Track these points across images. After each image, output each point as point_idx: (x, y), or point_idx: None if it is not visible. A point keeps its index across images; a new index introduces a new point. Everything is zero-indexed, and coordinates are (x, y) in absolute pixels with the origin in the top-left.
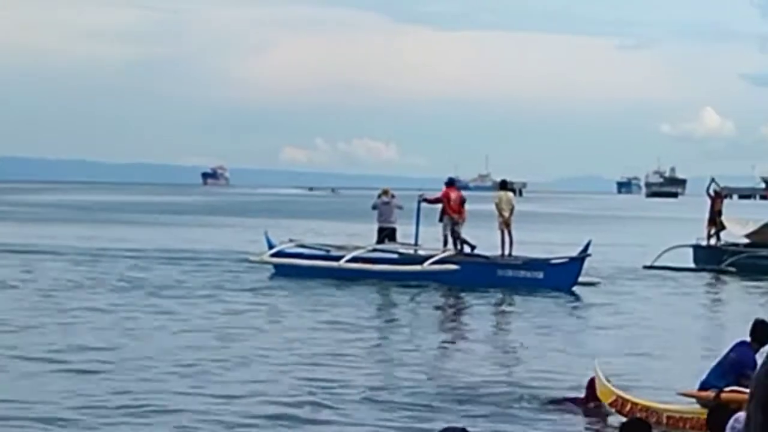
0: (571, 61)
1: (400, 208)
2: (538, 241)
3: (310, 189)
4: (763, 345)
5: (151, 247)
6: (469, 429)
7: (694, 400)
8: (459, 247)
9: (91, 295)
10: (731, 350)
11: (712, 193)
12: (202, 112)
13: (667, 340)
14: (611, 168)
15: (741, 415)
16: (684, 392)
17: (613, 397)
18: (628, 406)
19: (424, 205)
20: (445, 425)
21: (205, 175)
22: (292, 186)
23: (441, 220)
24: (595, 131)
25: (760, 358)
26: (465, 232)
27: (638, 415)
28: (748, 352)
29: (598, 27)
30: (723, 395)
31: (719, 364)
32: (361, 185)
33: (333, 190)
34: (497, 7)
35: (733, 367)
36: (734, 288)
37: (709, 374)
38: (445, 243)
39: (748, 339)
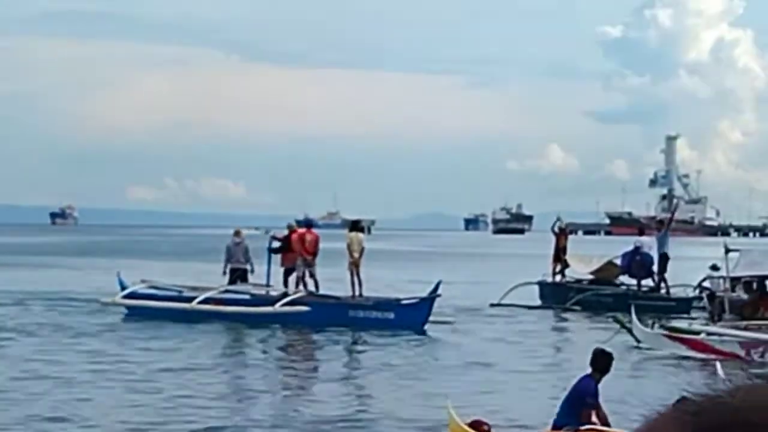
0: (418, 98)
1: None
2: (389, 280)
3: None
4: (604, 374)
5: None
6: None
7: None
8: (315, 287)
9: None
10: (574, 385)
11: (557, 230)
12: (48, 150)
13: (515, 377)
14: (459, 205)
15: None
16: None
17: None
18: None
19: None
20: None
21: (53, 215)
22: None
23: (282, 264)
24: (443, 168)
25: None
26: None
27: None
28: (589, 383)
29: (444, 65)
30: None
31: (565, 400)
32: (210, 224)
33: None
34: (344, 45)
35: (577, 400)
36: (579, 325)
37: (559, 413)
38: (298, 284)
39: (590, 371)
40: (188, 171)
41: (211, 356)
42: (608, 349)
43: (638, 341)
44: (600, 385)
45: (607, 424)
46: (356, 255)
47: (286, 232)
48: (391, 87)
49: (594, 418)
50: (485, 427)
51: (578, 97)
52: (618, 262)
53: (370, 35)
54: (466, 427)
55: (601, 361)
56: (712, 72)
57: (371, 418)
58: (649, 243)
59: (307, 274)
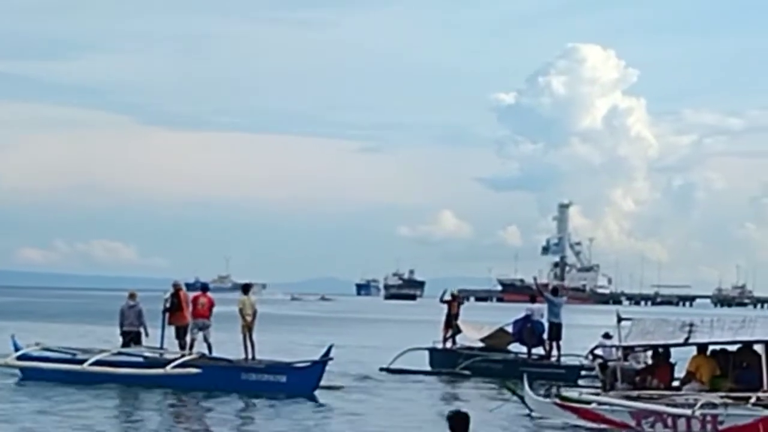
0: (311, 163)
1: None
2: (280, 344)
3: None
4: None
5: None
6: None
7: None
8: (209, 350)
9: None
10: None
11: (448, 298)
12: None
13: None
14: (351, 270)
15: None
16: None
17: None
18: None
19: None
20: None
21: None
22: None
23: (170, 323)
24: (335, 233)
25: None
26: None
27: None
28: None
29: (337, 129)
30: None
31: None
32: (101, 286)
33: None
34: (237, 108)
35: None
36: (468, 391)
37: None
38: (191, 347)
39: None
40: (80, 233)
41: (100, 419)
42: (463, 410)
43: (530, 410)
44: None
45: None
46: (249, 318)
47: (172, 290)
48: (283, 150)
49: None
50: None
51: (471, 163)
52: (509, 329)
53: (263, 98)
54: None
55: (459, 423)
56: (605, 140)
57: None
58: (540, 310)
59: (200, 337)
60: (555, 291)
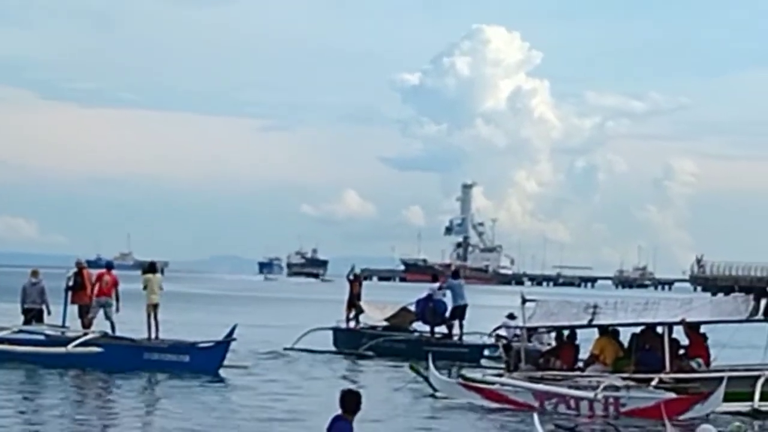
0: (214, 141)
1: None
2: (185, 323)
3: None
4: (354, 413)
5: None
6: None
7: None
8: (112, 329)
9: None
10: (328, 429)
11: (351, 277)
12: None
13: (306, 423)
14: (253, 248)
15: None
16: None
17: None
18: None
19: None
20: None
21: None
22: None
23: (73, 301)
24: (238, 211)
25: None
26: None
27: None
28: (343, 425)
29: (241, 108)
30: None
31: None
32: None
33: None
34: (141, 84)
35: None
36: (372, 371)
37: None
38: (90, 325)
39: (341, 412)
40: None
41: (3, 398)
42: (355, 389)
43: (434, 389)
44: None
45: None
46: (153, 297)
47: (75, 268)
48: (186, 128)
49: None
50: None
51: (376, 143)
52: (412, 308)
53: (167, 76)
54: None
55: (350, 401)
56: (508, 121)
57: None
58: (441, 290)
59: (102, 315)
60: (456, 273)
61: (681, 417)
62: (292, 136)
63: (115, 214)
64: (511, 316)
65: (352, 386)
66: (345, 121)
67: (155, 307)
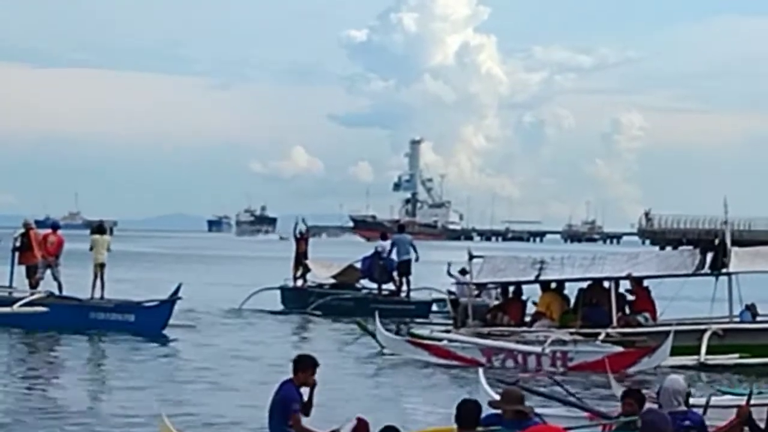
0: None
1: None
2: (131, 282)
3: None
4: (306, 377)
5: None
6: None
7: None
8: (58, 289)
9: None
10: (277, 392)
11: (298, 234)
12: None
13: (253, 384)
14: (202, 206)
15: None
16: None
17: None
18: None
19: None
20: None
21: None
22: None
23: (20, 262)
24: (186, 170)
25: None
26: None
27: None
28: (291, 388)
29: (189, 66)
30: None
31: (273, 407)
32: None
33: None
34: (88, 43)
35: (283, 406)
36: (319, 330)
37: (270, 421)
38: (37, 285)
39: (291, 376)
40: None
41: None
42: (310, 354)
43: (382, 347)
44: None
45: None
46: (100, 257)
47: (23, 229)
48: (134, 87)
49: (304, 422)
50: None
51: (323, 100)
52: (359, 266)
53: (116, 35)
54: None
55: (302, 363)
56: (456, 77)
57: (104, 413)
58: (388, 247)
59: (49, 275)
60: (401, 228)
61: (628, 370)
62: (239, 93)
63: (64, 173)
64: (464, 272)
65: (302, 347)
66: (292, 78)
67: (102, 267)
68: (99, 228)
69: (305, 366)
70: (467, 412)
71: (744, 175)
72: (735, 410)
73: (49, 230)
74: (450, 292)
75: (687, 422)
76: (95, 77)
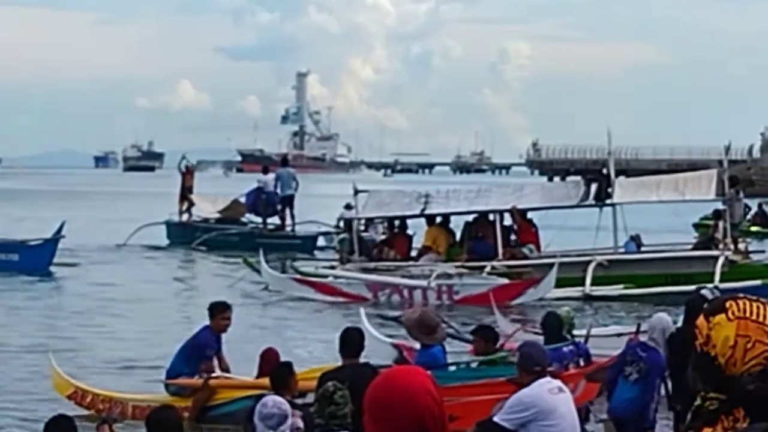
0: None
1: None
2: (15, 220)
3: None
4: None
5: None
6: None
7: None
8: None
9: None
10: (194, 336)
11: (183, 169)
12: None
13: (140, 320)
14: (88, 142)
15: (267, 399)
16: (170, 381)
17: (72, 389)
18: (89, 398)
19: None
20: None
21: None
22: None
23: None
24: (72, 105)
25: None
26: None
27: (101, 406)
28: (209, 336)
29: (75, 1)
30: (212, 382)
31: (182, 349)
32: None
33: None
34: None
35: (195, 351)
36: (205, 265)
37: (174, 360)
38: None
39: (208, 323)
40: None
41: None
42: (227, 301)
43: (267, 284)
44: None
45: (228, 371)
46: None
47: None
48: (19, 22)
49: (216, 367)
50: None
51: (209, 33)
52: (243, 200)
53: None
54: (69, 378)
55: (219, 308)
56: (342, 9)
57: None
58: (272, 181)
59: None
60: (285, 161)
61: (513, 302)
62: (125, 28)
63: None
64: (348, 207)
65: (187, 283)
66: (178, 11)
67: None
68: None
69: (222, 309)
70: (351, 339)
71: (631, 104)
72: (614, 339)
73: None
74: (339, 227)
75: (572, 349)
76: None
